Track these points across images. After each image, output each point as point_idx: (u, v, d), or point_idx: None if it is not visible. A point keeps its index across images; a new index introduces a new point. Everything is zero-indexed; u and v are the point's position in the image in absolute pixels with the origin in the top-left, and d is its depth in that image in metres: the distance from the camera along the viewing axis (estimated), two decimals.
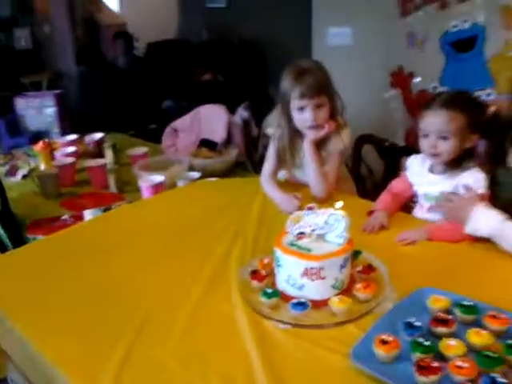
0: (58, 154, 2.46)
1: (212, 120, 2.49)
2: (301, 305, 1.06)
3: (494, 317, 0.98)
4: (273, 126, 1.73)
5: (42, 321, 1.13)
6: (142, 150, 2.42)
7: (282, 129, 1.69)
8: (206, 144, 2.45)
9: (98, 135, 2.67)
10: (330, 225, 1.12)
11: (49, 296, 1.22)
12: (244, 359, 0.96)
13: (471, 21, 2.69)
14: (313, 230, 1.13)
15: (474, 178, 1.40)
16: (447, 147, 1.41)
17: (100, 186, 2.21)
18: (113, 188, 2.18)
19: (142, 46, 5.72)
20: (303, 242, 1.12)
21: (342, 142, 1.66)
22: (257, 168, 2.28)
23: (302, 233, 1.14)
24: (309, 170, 1.65)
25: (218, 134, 2.40)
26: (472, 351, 0.91)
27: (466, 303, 1.02)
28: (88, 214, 1.85)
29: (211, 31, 5.77)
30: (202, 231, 1.50)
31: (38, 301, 1.21)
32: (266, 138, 1.77)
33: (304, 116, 1.60)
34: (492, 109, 1.48)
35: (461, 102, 1.43)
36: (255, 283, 1.16)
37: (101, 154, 2.43)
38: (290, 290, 1.11)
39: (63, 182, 2.20)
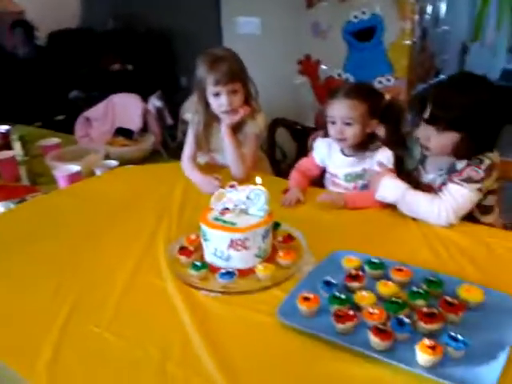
0: None
1: (127, 108, 2.48)
2: (228, 274, 1.14)
3: (398, 270, 1.12)
4: (190, 112, 1.78)
5: None
6: (53, 140, 2.36)
7: (199, 114, 1.75)
8: (122, 132, 2.44)
9: (4, 127, 2.56)
10: (252, 199, 1.20)
11: None
12: (179, 328, 1.02)
13: (370, 12, 2.89)
14: (236, 205, 1.21)
15: (385, 156, 1.57)
16: (352, 132, 1.55)
17: (10, 178, 2.14)
18: (25, 180, 2.13)
19: (42, 35, 5.45)
20: (227, 216, 1.20)
21: (257, 126, 1.76)
22: (173, 156, 2.32)
23: (226, 208, 1.21)
24: (227, 153, 1.72)
25: (134, 123, 2.41)
26: (381, 300, 1.04)
27: (374, 261, 1.15)
28: (0, 207, 1.79)
29: (117, 20, 5.63)
30: (127, 214, 1.52)
31: None
32: (184, 124, 1.82)
33: (220, 101, 1.67)
34: (388, 97, 1.64)
35: (361, 92, 1.58)
36: (184, 258, 1.22)
37: (8, 147, 2.35)
38: (218, 262, 1.18)
39: None
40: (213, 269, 1.18)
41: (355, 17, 2.97)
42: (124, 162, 2.10)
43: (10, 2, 6.34)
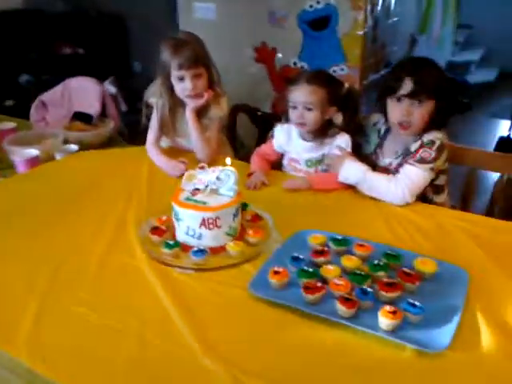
0: None
1: (85, 92, 2.45)
2: (201, 251, 1.19)
3: (360, 246, 1.20)
4: (155, 96, 1.79)
5: None
6: (9, 124, 2.30)
7: (163, 98, 1.77)
8: (80, 117, 2.41)
9: None
10: (222, 180, 1.25)
11: None
12: (156, 303, 1.06)
13: (324, 1, 2.96)
14: (206, 186, 1.25)
15: (344, 140, 1.65)
16: (311, 117, 1.62)
17: None
18: None
19: None
20: (198, 196, 1.24)
21: (221, 110, 1.80)
22: (130, 142, 2.32)
23: (196, 189, 1.26)
24: (192, 137, 1.76)
25: (93, 107, 2.38)
26: (346, 273, 1.12)
27: (338, 237, 1.23)
28: None
29: (66, 1, 5.46)
30: (94, 197, 1.54)
31: None
32: (148, 108, 1.83)
33: (184, 85, 1.70)
34: (346, 85, 1.72)
35: (321, 78, 1.66)
36: (156, 238, 1.25)
37: None
38: (190, 240, 1.22)
39: None
40: (185, 247, 1.22)
41: (310, 6, 3.03)
42: (83, 147, 2.07)
43: None
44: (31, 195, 1.57)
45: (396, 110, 1.51)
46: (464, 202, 1.77)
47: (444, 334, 0.96)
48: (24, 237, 1.32)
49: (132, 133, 2.57)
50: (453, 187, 1.77)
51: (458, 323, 0.98)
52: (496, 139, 4.17)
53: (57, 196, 1.55)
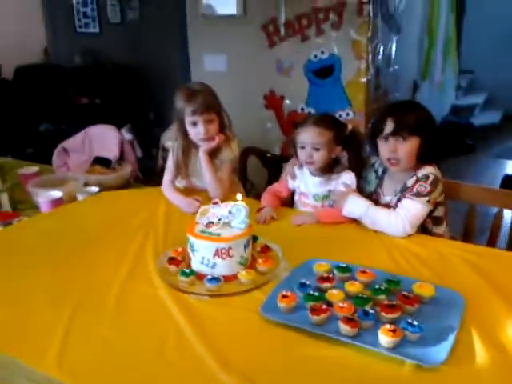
0: None
1: (104, 138, 2.60)
2: (215, 279, 1.28)
3: (363, 272, 1.29)
4: (171, 140, 1.94)
5: None
6: (33, 169, 2.45)
7: (178, 142, 1.91)
8: (100, 162, 2.55)
9: None
10: (234, 213, 1.36)
11: None
12: (173, 325, 1.15)
13: (328, 52, 3.16)
14: (219, 219, 1.36)
15: (350, 178, 1.78)
16: (319, 156, 1.76)
17: None
18: (6, 206, 2.20)
19: (7, 70, 5.52)
20: (212, 229, 1.35)
21: (232, 152, 1.94)
22: (146, 185, 2.45)
23: (210, 222, 1.37)
24: (206, 177, 1.89)
25: (112, 152, 2.53)
26: (349, 297, 1.21)
27: (342, 265, 1.33)
28: None
29: (84, 56, 5.77)
30: (115, 234, 1.65)
31: None
32: (164, 151, 1.97)
33: (197, 130, 1.85)
34: (350, 127, 1.85)
35: (327, 121, 1.81)
36: (173, 268, 1.35)
37: None
38: (205, 269, 1.32)
39: None
40: (200, 276, 1.32)
41: (315, 56, 3.22)
42: (103, 189, 2.21)
43: None
44: (56, 232, 1.69)
45: (384, 148, 1.65)
46: (466, 236, 1.86)
47: (440, 351, 1.03)
48: (51, 268, 1.43)
49: (146, 177, 2.71)
50: (456, 222, 1.87)
51: (454, 341, 1.06)
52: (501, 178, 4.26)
53: (80, 233, 1.67)
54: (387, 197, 1.74)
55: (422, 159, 1.64)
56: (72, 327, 1.15)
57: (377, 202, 1.74)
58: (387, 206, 1.71)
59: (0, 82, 5.13)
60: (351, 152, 1.82)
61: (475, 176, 4.26)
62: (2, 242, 1.67)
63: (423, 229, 1.67)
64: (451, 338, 1.07)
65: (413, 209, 1.58)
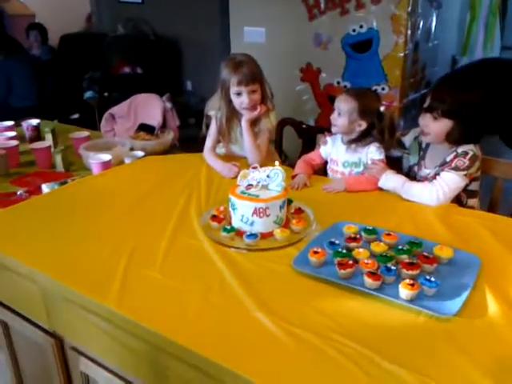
0: None
1: (149, 106, 2.76)
2: (253, 235, 1.43)
3: (387, 235, 1.41)
4: (214, 109, 2.07)
5: (50, 258, 1.39)
6: (84, 133, 2.62)
7: (222, 110, 2.04)
8: (144, 128, 2.71)
9: (35, 121, 2.83)
10: (271, 177, 1.49)
11: (52, 237, 1.50)
12: (216, 272, 1.30)
13: (367, 26, 3.20)
14: (258, 182, 1.50)
15: (376, 149, 1.89)
16: (340, 122, 1.89)
17: (46, 166, 2.39)
18: (60, 167, 2.37)
19: (53, 37, 5.72)
20: (252, 190, 1.49)
21: (270, 123, 2.06)
22: (186, 151, 2.59)
23: (250, 185, 1.50)
24: (246, 143, 2.02)
25: (155, 119, 2.68)
26: (374, 256, 1.33)
27: (368, 228, 1.45)
28: (46, 188, 2.06)
29: (126, 25, 5.90)
30: (161, 195, 1.80)
31: (43, 242, 1.48)
32: (208, 118, 2.11)
33: (241, 99, 1.97)
34: (382, 109, 1.91)
35: (357, 92, 1.92)
36: (215, 224, 1.50)
37: (39, 139, 2.63)
38: (244, 227, 1.46)
39: (10, 163, 2.36)
40: (239, 232, 1.46)
41: (353, 30, 3.27)
42: (147, 154, 2.37)
43: (21, 5, 6.62)
44: (108, 191, 1.86)
45: (420, 119, 1.76)
46: (491, 208, 1.94)
47: (454, 304, 1.15)
48: (108, 222, 1.60)
49: (182, 145, 2.85)
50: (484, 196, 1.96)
51: (467, 297, 1.17)
52: None
53: (130, 193, 1.83)
54: (427, 170, 1.84)
55: (458, 139, 1.71)
56: (128, 270, 1.32)
57: (416, 175, 1.84)
58: (425, 178, 1.81)
59: (49, 50, 5.33)
60: (383, 133, 1.90)
61: None
62: (62, 198, 1.85)
63: (458, 201, 1.76)
64: (465, 293, 1.18)
65: (450, 181, 1.68)
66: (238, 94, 1.97)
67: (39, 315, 1.41)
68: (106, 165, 2.20)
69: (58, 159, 2.37)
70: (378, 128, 1.89)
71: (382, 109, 1.91)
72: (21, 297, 1.46)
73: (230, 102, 2.02)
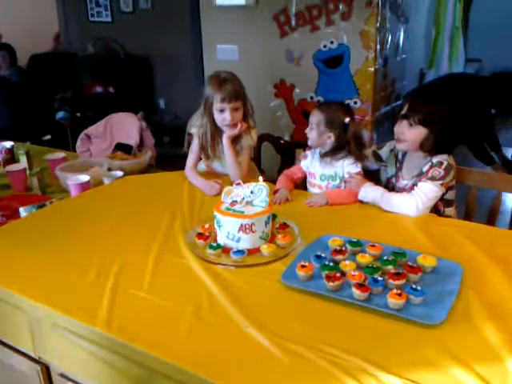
0: None
1: (125, 126, 2.75)
2: (240, 252, 1.44)
3: (372, 246, 1.44)
4: (196, 126, 2.08)
5: (37, 285, 1.37)
6: (60, 154, 2.59)
7: (204, 126, 2.05)
8: (121, 148, 2.70)
9: (9, 143, 2.78)
10: (255, 193, 1.51)
11: (37, 262, 1.48)
12: (205, 290, 1.30)
13: (338, 42, 3.28)
14: (242, 199, 1.51)
15: (351, 163, 1.94)
16: (311, 135, 1.96)
17: (21, 189, 2.35)
18: (36, 190, 2.34)
19: (21, 58, 5.65)
20: (236, 207, 1.50)
21: (251, 140, 2.09)
22: (163, 169, 2.59)
23: (234, 201, 1.51)
24: (227, 160, 2.04)
25: (133, 138, 2.68)
26: (360, 267, 1.35)
27: (353, 240, 1.47)
28: (24, 211, 2.02)
29: (96, 45, 5.89)
30: (145, 213, 1.80)
31: (28, 268, 1.45)
32: (189, 136, 2.12)
33: (224, 116, 2.00)
34: (347, 120, 1.93)
35: (325, 105, 2.01)
36: (201, 242, 1.51)
37: (13, 161, 2.59)
38: (230, 243, 1.47)
39: None
40: (226, 249, 1.47)
41: (324, 46, 3.34)
42: (125, 174, 2.36)
43: None
44: (89, 213, 1.84)
45: (397, 126, 1.82)
46: (467, 216, 2.00)
47: (440, 312, 1.18)
48: (91, 245, 1.58)
49: (158, 164, 2.84)
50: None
51: (452, 303, 1.20)
52: None
53: (111, 213, 1.81)
54: (405, 181, 1.88)
55: (431, 148, 1.77)
56: (116, 290, 1.31)
57: (394, 186, 1.88)
58: (403, 189, 1.86)
59: (18, 70, 5.25)
60: (352, 144, 1.94)
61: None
62: (41, 221, 1.82)
63: (436, 211, 1.81)
64: (450, 300, 1.21)
65: (427, 190, 1.73)
66: (221, 110, 1.99)
67: (23, 342, 1.38)
68: (84, 186, 2.17)
69: (35, 181, 2.34)
70: (342, 139, 1.93)
71: (346, 120, 1.95)
72: (5, 323, 1.43)
73: (213, 118, 2.03)
